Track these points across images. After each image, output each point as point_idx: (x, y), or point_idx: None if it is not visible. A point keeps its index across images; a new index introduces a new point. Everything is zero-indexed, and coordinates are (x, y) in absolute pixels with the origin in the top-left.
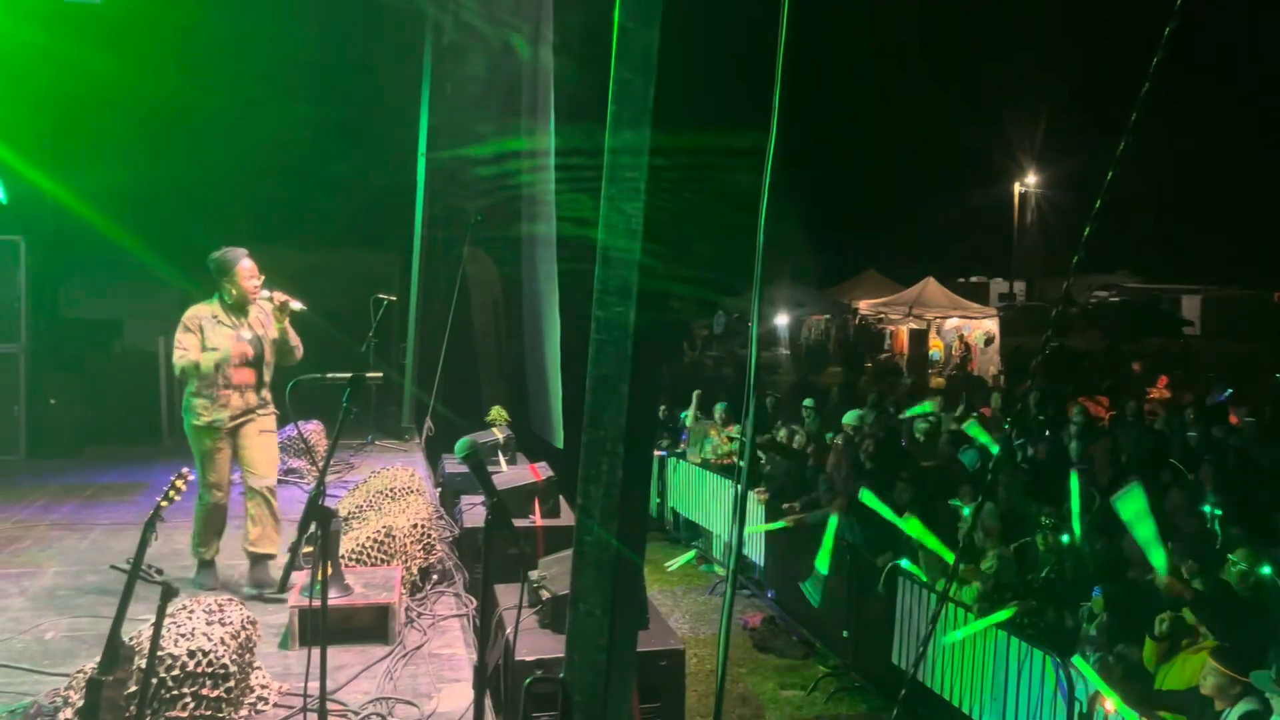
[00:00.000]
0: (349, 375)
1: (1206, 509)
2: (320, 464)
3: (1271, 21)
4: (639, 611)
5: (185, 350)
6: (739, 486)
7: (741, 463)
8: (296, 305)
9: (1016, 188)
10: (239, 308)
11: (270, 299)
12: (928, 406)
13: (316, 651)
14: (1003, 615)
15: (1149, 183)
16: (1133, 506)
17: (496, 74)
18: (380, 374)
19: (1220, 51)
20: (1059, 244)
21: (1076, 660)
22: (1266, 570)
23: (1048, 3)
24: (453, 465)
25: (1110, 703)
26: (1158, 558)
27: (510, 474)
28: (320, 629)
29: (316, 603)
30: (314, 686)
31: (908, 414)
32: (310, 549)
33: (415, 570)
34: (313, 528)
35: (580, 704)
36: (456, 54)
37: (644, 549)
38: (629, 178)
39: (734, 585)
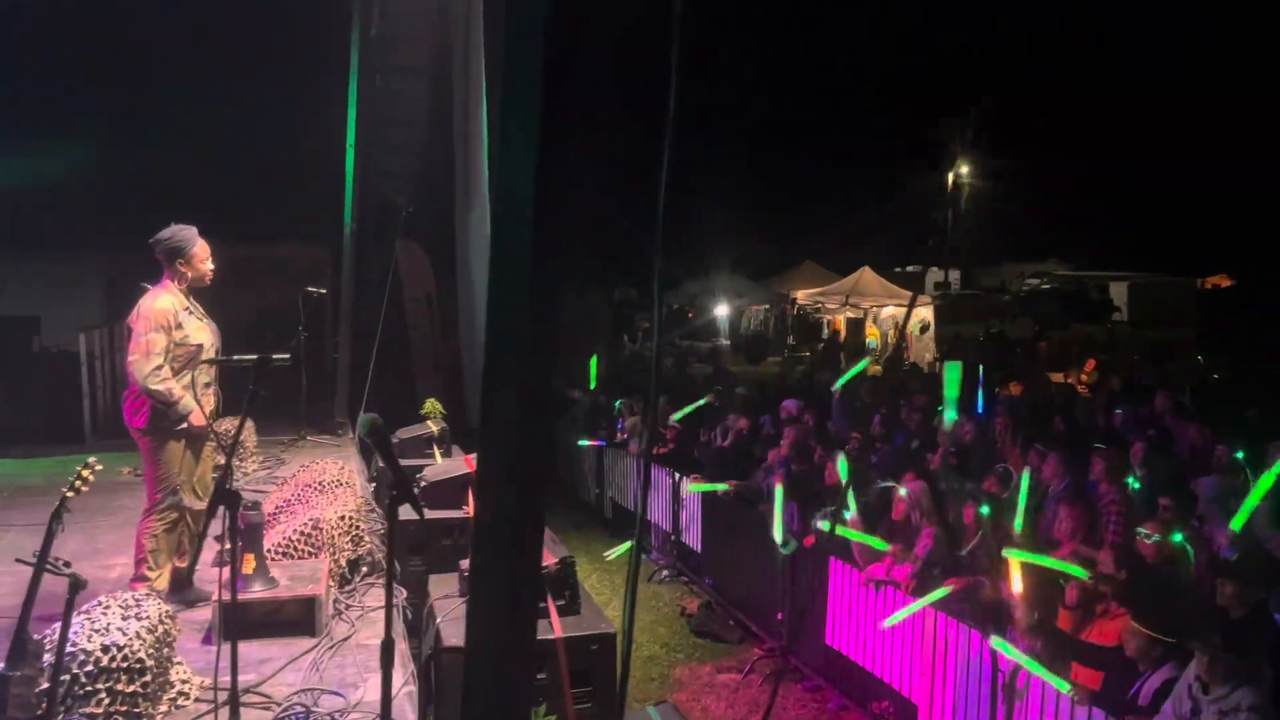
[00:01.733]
0: (254, 357)
1: (1131, 481)
2: (227, 450)
3: (1191, 20)
4: (539, 582)
5: (160, 363)
6: (642, 451)
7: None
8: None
9: (950, 178)
10: (194, 293)
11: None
12: (863, 363)
13: (242, 645)
14: (939, 594)
15: (1080, 173)
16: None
17: (427, 64)
18: (287, 355)
19: (1147, 49)
20: (992, 233)
21: (997, 643)
22: (1178, 538)
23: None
24: None
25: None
26: (1077, 571)
27: (444, 465)
28: (232, 617)
29: (242, 596)
30: (241, 679)
31: (840, 383)
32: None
33: (344, 562)
34: (222, 514)
35: (482, 678)
36: (385, 45)
37: (543, 522)
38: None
39: (639, 542)
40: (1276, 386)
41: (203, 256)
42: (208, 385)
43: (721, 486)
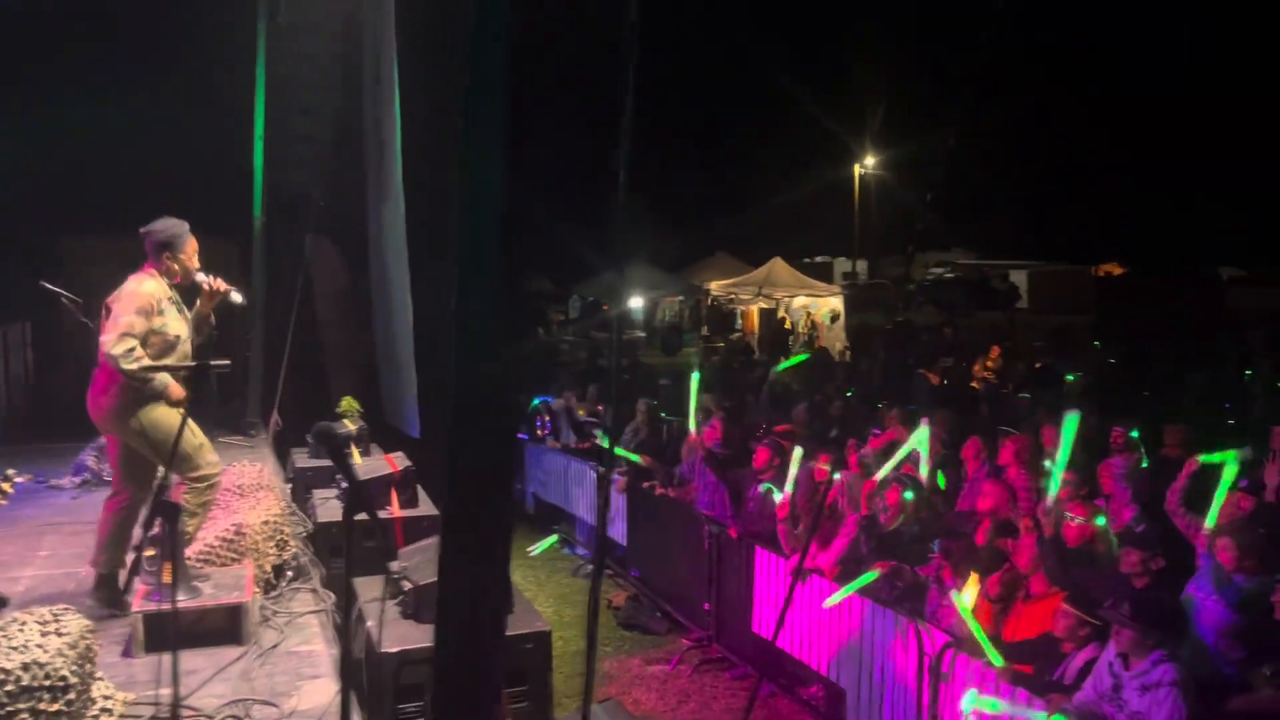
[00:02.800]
0: (193, 364)
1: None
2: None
3: (1093, 12)
4: (506, 590)
5: (134, 345)
6: (603, 470)
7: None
8: (237, 298)
9: (857, 170)
10: (179, 288)
11: (209, 285)
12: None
13: (166, 657)
14: (868, 578)
15: (982, 164)
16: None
17: (337, 52)
18: (227, 361)
19: (1046, 41)
20: (897, 224)
21: (956, 596)
22: (1101, 521)
23: None
24: (303, 460)
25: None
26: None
27: (365, 465)
28: (173, 628)
29: (165, 606)
30: (165, 693)
31: (779, 369)
32: (152, 551)
33: (269, 568)
34: (157, 525)
35: (449, 686)
36: (293, 33)
37: (511, 527)
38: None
39: (601, 563)
40: (1167, 369)
41: (190, 253)
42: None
43: (635, 458)
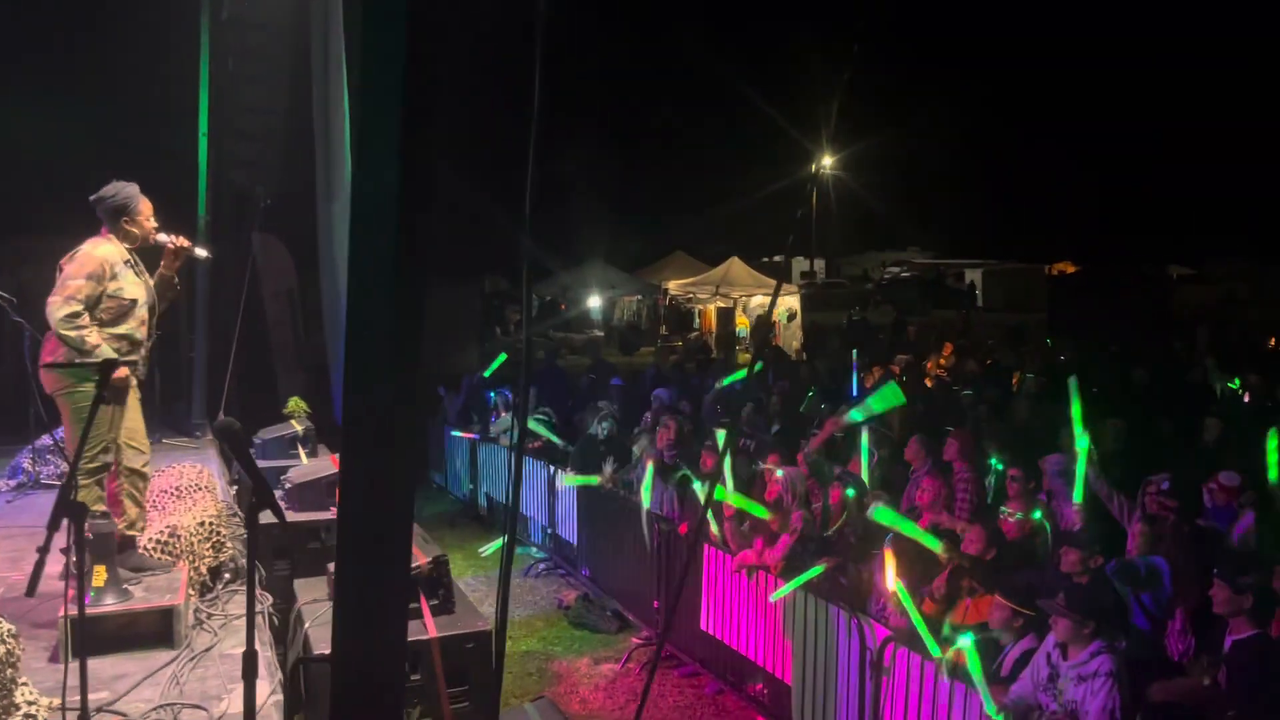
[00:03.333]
0: (100, 360)
1: (993, 463)
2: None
3: (1049, 21)
4: (408, 584)
5: (79, 309)
6: (513, 443)
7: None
8: (201, 252)
9: (814, 170)
10: (138, 251)
11: (173, 243)
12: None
13: (92, 662)
14: (814, 572)
15: (940, 166)
16: (887, 516)
17: (283, 47)
18: (135, 359)
19: (1001, 45)
20: (854, 224)
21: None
22: (1037, 515)
23: None
24: None
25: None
26: (931, 542)
27: (310, 466)
28: (81, 635)
29: (93, 610)
30: (92, 698)
31: (725, 382)
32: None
33: (205, 570)
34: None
35: (351, 682)
36: (238, 28)
37: (411, 522)
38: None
39: (513, 533)
40: (1116, 366)
41: (147, 214)
42: (145, 344)
43: (594, 480)
